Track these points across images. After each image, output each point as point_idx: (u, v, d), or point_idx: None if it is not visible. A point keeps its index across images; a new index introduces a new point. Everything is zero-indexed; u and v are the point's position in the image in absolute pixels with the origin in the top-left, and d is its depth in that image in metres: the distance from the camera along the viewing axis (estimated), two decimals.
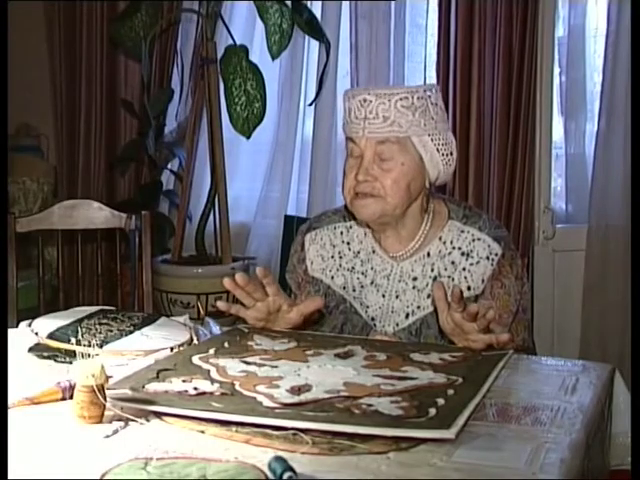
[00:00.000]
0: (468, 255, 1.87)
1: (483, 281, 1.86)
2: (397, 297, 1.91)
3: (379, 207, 1.84)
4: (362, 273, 1.95)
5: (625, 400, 1.65)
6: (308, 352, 1.67)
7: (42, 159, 4.16)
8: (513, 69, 3.29)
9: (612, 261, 3.32)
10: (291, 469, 1.10)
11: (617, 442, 1.63)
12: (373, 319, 1.93)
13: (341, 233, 1.99)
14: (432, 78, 3.44)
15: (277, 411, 1.33)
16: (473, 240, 1.88)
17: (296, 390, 1.42)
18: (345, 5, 3.62)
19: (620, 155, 3.26)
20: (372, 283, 1.94)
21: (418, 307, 1.89)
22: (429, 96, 1.83)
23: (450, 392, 1.43)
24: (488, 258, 1.86)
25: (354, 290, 1.95)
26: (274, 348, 1.71)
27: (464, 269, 1.87)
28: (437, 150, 1.84)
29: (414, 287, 1.90)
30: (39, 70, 4.07)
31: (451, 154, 1.86)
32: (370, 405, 1.35)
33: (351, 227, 1.99)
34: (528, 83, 3.29)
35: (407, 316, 1.90)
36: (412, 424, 1.28)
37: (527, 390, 1.52)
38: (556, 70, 3.45)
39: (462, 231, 1.89)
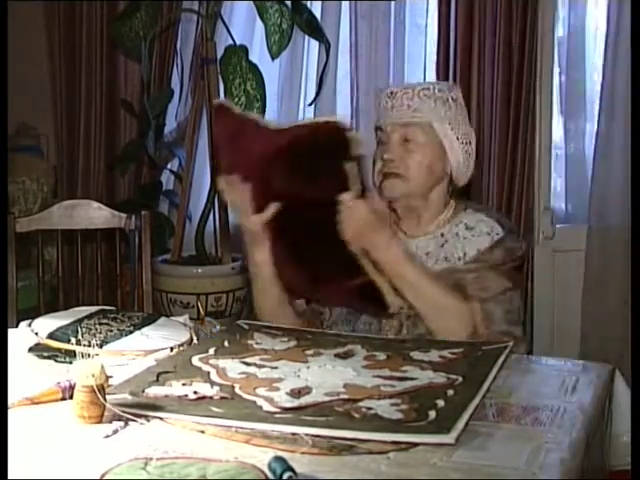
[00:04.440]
0: (472, 229, 1.97)
1: (478, 251, 1.94)
2: None
3: (404, 187, 1.97)
4: None
5: (626, 400, 1.65)
6: (308, 352, 1.67)
7: (42, 159, 4.15)
8: (513, 69, 3.29)
9: (612, 261, 3.31)
10: (291, 469, 1.10)
11: (619, 442, 1.63)
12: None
13: None
14: (432, 78, 3.43)
15: (277, 416, 1.33)
16: (479, 220, 1.98)
17: (296, 393, 1.42)
18: (345, 5, 3.61)
19: (620, 155, 3.26)
20: None
21: None
22: (449, 91, 1.99)
23: (450, 393, 1.43)
24: (489, 234, 1.95)
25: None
26: (274, 348, 1.71)
27: (465, 238, 1.96)
28: (457, 138, 1.97)
29: (445, 258, 1.97)
30: (39, 70, 4.07)
31: (469, 143, 1.98)
32: (370, 408, 1.35)
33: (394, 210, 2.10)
34: (528, 83, 3.29)
35: None
36: (412, 428, 1.28)
37: (527, 390, 1.52)
38: (556, 70, 3.45)
39: (473, 214, 2.00)
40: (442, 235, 1.99)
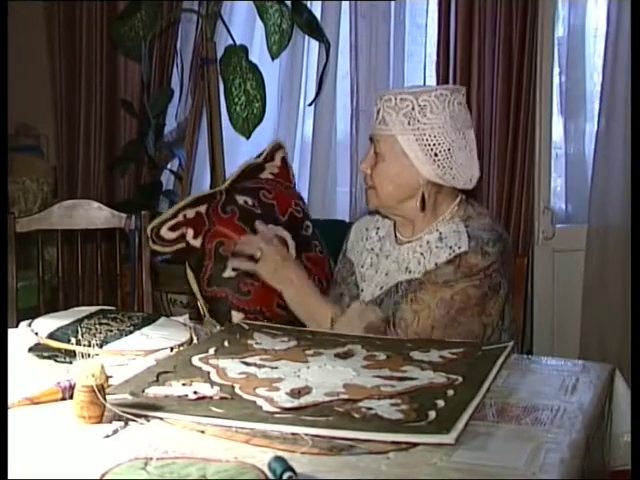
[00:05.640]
0: (442, 240, 1.94)
1: (435, 265, 1.91)
2: (386, 274, 2.02)
3: (375, 198, 2.02)
4: (376, 254, 2.08)
5: (626, 400, 1.65)
6: (308, 352, 1.67)
7: (42, 159, 4.15)
8: (513, 69, 3.29)
9: (612, 261, 3.31)
10: (291, 469, 1.10)
11: (619, 442, 1.63)
12: (363, 290, 2.06)
13: (377, 220, 2.14)
14: (432, 78, 3.43)
15: (277, 416, 1.33)
16: (454, 231, 1.94)
17: (296, 393, 1.42)
18: (345, 5, 3.61)
19: (620, 155, 3.26)
20: (378, 263, 2.06)
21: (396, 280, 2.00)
22: (416, 99, 1.93)
23: (450, 393, 1.43)
24: (451, 247, 1.91)
25: (362, 266, 2.10)
26: (274, 348, 1.71)
27: (436, 247, 1.94)
28: (422, 150, 1.93)
29: (407, 268, 1.97)
30: (39, 70, 4.07)
31: (435, 155, 1.92)
32: (370, 408, 1.35)
33: (387, 216, 2.12)
34: (528, 83, 3.29)
35: (381, 288, 2.00)
36: (412, 428, 1.28)
37: (527, 390, 1.52)
38: (556, 70, 3.44)
39: (453, 223, 1.97)
40: (428, 242, 1.97)
